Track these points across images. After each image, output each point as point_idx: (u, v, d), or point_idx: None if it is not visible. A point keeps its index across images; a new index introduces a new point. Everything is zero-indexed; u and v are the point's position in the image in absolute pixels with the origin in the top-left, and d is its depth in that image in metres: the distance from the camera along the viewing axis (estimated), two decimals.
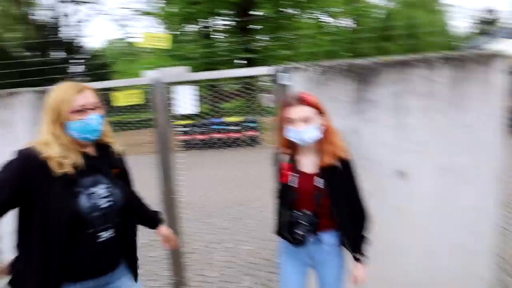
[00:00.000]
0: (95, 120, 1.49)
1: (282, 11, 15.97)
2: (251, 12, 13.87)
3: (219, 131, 11.42)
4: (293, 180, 1.78)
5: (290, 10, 17.04)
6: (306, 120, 1.71)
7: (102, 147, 1.60)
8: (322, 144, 1.78)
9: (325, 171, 1.76)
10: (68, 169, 1.42)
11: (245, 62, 13.35)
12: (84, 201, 1.44)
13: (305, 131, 1.71)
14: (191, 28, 15.25)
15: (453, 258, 2.49)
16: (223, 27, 15.50)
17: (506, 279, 3.07)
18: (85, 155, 1.51)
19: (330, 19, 24.01)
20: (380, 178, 2.44)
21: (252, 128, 11.52)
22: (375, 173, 2.44)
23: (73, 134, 1.47)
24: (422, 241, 2.49)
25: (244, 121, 11.48)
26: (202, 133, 11.30)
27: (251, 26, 13.98)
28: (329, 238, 1.83)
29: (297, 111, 1.71)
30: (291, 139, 1.76)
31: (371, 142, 2.42)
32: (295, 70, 2.42)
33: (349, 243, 1.84)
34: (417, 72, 2.33)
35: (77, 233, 1.43)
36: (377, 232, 2.48)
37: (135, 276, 1.69)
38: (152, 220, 1.91)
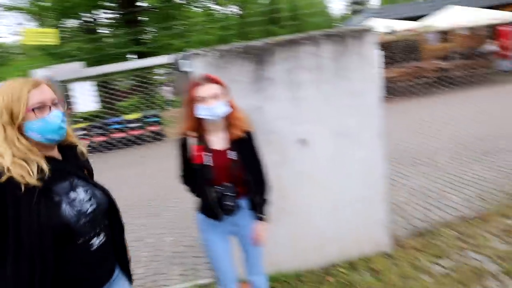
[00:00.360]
0: (58, 118, 1.30)
1: (168, 1, 15.60)
2: (136, 4, 13.28)
3: (121, 130, 10.88)
4: (207, 159, 1.89)
5: (176, 0, 16.73)
6: (215, 97, 1.84)
7: (66, 148, 1.42)
8: (229, 119, 1.93)
9: (235, 143, 1.93)
10: (35, 179, 1.22)
11: (135, 56, 12.80)
12: (67, 210, 1.28)
13: (216, 106, 1.84)
14: (71, 23, 14.02)
15: (353, 209, 2.87)
16: (108, 20, 14.57)
17: (398, 219, 3.63)
18: (51, 159, 1.31)
19: (217, 7, 24.20)
20: (285, 148, 2.68)
21: (154, 123, 11.22)
22: (280, 144, 2.67)
23: (33, 136, 1.28)
24: (327, 198, 2.82)
25: (144, 117, 11.12)
26: (102, 134, 10.65)
27: (138, 18, 13.40)
28: (245, 203, 2.01)
29: (207, 89, 1.83)
30: (203, 116, 1.86)
31: (273, 116, 2.63)
32: (194, 56, 2.50)
33: (256, 205, 2.03)
34: (305, 49, 2.58)
35: (66, 247, 1.27)
36: (289, 195, 2.74)
37: (129, 278, 1.58)
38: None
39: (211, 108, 1.83)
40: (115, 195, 1.51)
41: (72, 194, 1.32)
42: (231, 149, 1.92)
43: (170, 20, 15.65)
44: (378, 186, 2.86)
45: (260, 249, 2.15)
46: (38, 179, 1.22)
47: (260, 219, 2.05)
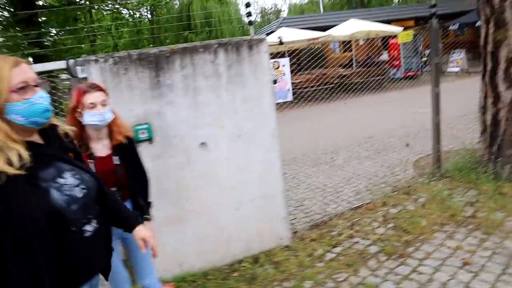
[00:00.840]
0: (44, 99, 1.20)
1: (71, 2, 14.66)
2: (34, 2, 12.24)
3: None
4: (91, 167, 1.92)
5: (81, 1, 15.79)
6: (104, 104, 1.90)
7: (47, 131, 1.30)
8: (111, 126, 1.99)
9: (117, 149, 2.00)
10: (16, 167, 1.11)
11: (31, 58, 11.77)
12: (56, 196, 1.18)
13: (105, 112, 1.89)
14: None
15: (255, 206, 3.06)
16: None
17: (298, 214, 3.93)
18: (32, 144, 1.21)
19: (125, 10, 23.36)
20: (186, 151, 2.77)
21: None
22: (182, 148, 2.76)
23: (16, 119, 1.16)
24: (230, 197, 2.97)
25: None
26: None
27: (35, 18, 12.36)
28: (130, 206, 2.07)
29: (96, 96, 1.88)
30: (91, 123, 1.89)
31: (174, 121, 2.71)
32: (90, 62, 2.47)
33: (140, 208, 2.09)
34: (202, 56, 2.71)
35: (58, 236, 1.17)
36: (193, 196, 2.83)
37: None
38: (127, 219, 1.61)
39: (102, 113, 1.87)
40: None
41: (60, 180, 1.23)
42: (114, 154, 1.99)
43: (73, 22, 14.71)
44: (276, 183, 3.08)
45: (148, 251, 2.19)
46: (20, 167, 1.12)
47: (146, 220, 2.10)
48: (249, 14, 3.10)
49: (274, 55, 14.56)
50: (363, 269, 2.81)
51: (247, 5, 3.06)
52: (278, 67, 12.62)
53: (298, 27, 16.26)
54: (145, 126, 2.60)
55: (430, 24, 4.01)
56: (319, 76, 13.30)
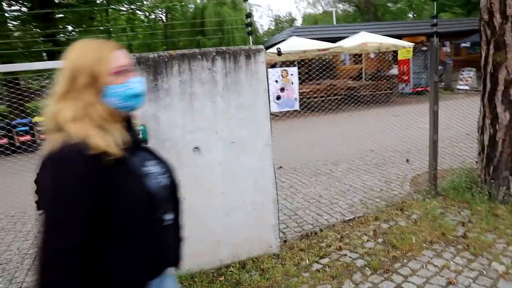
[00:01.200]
0: (140, 83, 1.20)
1: (88, 1, 14.96)
2: (49, 0, 12.53)
3: (26, 133, 10.10)
4: None
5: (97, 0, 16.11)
6: None
7: (129, 118, 1.27)
8: None
9: None
10: (119, 149, 1.09)
11: (45, 54, 12.02)
12: (152, 183, 1.18)
13: None
14: None
15: (245, 212, 3.10)
16: (15, 13, 13.49)
17: (290, 223, 3.96)
18: (126, 129, 1.20)
19: (141, 12, 23.73)
20: (179, 154, 2.83)
21: None
22: (175, 151, 2.81)
23: (113, 103, 1.15)
24: (221, 203, 3.01)
25: None
26: (4, 136, 9.82)
27: (52, 15, 12.64)
28: None
29: None
30: None
31: (169, 124, 2.77)
32: None
33: None
34: (200, 63, 2.78)
35: (147, 223, 1.16)
36: (183, 200, 2.87)
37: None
38: None
39: None
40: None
41: (147, 167, 1.22)
42: None
43: (89, 21, 14.99)
44: (268, 191, 3.12)
45: None
46: (120, 150, 1.10)
47: None
48: (248, 25, 3.15)
49: (282, 64, 14.66)
50: (347, 282, 2.83)
51: (248, 15, 3.11)
52: (286, 76, 12.71)
53: (309, 37, 16.34)
54: (140, 128, 2.67)
55: (430, 42, 4.03)
56: (327, 87, 13.34)
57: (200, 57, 2.76)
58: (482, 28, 3.86)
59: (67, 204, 1.01)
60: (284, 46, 14.69)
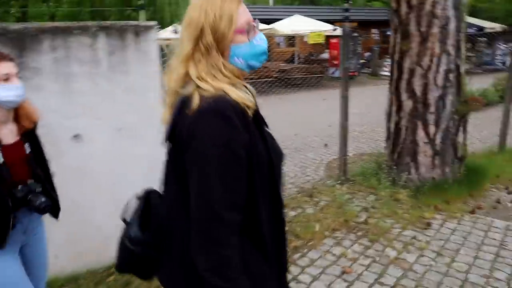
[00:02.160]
0: (263, 41, 1.11)
1: None
2: None
3: None
4: None
5: None
6: (17, 76, 1.59)
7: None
8: (18, 108, 1.66)
9: (26, 135, 1.71)
10: (254, 105, 1.05)
11: None
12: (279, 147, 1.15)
13: (22, 86, 1.58)
14: None
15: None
16: None
17: None
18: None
19: None
20: (57, 143, 2.48)
21: None
22: (52, 139, 2.45)
23: (237, 63, 1.06)
24: (109, 195, 2.73)
25: None
26: None
27: None
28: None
29: (9, 66, 1.55)
30: (7, 98, 1.56)
31: (42, 109, 2.40)
32: None
33: (56, 202, 1.85)
34: (78, 39, 2.43)
35: (277, 183, 1.11)
36: (65, 194, 2.55)
37: None
38: None
39: (18, 87, 1.56)
40: None
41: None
42: (24, 141, 1.68)
43: None
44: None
45: (47, 257, 1.93)
46: (255, 105, 1.06)
47: (56, 217, 1.89)
48: None
49: None
50: None
51: None
52: None
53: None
54: None
55: (343, 28, 4.00)
56: (259, 69, 13.22)
57: (78, 31, 2.41)
58: (391, 17, 3.89)
59: (230, 157, 0.96)
60: None
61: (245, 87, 1.10)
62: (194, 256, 0.98)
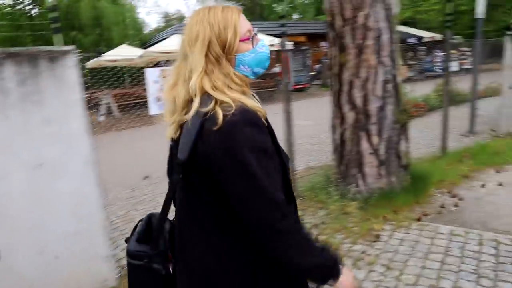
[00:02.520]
0: (265, 47, 1.15)
1: None
2: None
3: None
4: None
5: None
6: None
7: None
8: None
9: None
10: (265, 112, 1.10)
11: None
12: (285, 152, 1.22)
13: None
14: None
15: (66, 246, 2.59)
16: None
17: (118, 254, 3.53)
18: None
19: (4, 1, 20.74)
20: None
21: None
22: None
23: (243, 71, 1.11)
24: (30, 239, 2.45)
25: None
26: None
27: None
28: None
29: None
30: None
31: None
32: None
33: None
34: None
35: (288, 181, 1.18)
36: None
37: None
38: None
39: None
40: None
41: None
42: None
43: None
44: (94, 218, 2.66)
45: None
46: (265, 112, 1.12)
47: None
48: (54, 21, 2.65)
49: (167, 62, 14.02)
50: None
51: (52, 9, 2.59)
52: (166, 76, 12.11)
53: None
54: None
55: (281, 42, 3.98)
56: None
57: None
58: (327, 30, 3.92)
59: (269, 160, 1.02)
60: (165, 45, 14.05)
61: (253, 95, 1.15)
62: (284, 261, 1.05)
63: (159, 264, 1.16)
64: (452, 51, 17.28)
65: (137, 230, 1.25)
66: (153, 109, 13.76)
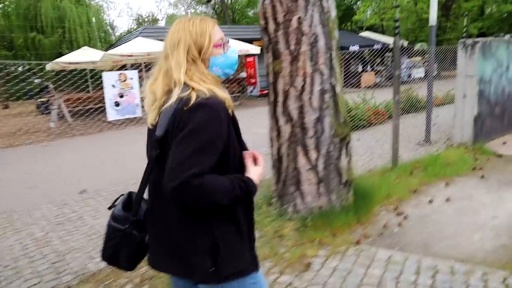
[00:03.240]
0: (235, 53, 1.38)
1: None
2: None
3: None
4: None
5: None
6: None
7: None
8: None
9: None
10: (233, 104, 1.33)
11: None
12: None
13: None
14: None
15: None
16: None
17: (45, 271, 3.08)
18: None
19: None
20: None
21: None
22: None
23: (215, 71, 1.34)
24: None
25: None
26: None
27: None
28: None
29: None
30: None
31: None
32: None
33: None
34: None
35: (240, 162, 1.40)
36: None
37: None
38: None
39: None
40: None
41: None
42: None
43: None
44: None
45: None
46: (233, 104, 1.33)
47: None
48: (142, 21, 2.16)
49: (122, 67, 13.47)
50: None
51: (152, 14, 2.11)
52: (125, 80, 11.55)
53: (157, 38, 15.43)
54: None
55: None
56: None
57: None
58: (261, 35, 3.58)
59: (210, 140, 1.19)
60: (126, 48, 13.46)
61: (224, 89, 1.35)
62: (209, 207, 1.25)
63: (137, 231, 1.36)
64: (417, 58, 17.47)
65: (120, 200, 1.44)
66: (111, 114, 13.15)
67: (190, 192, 1.14)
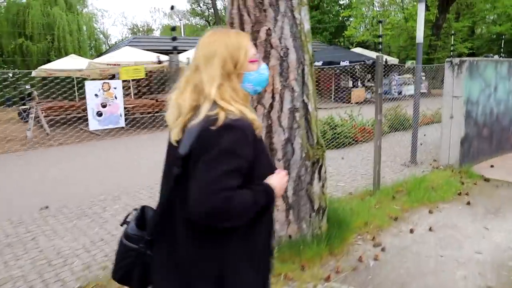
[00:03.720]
0: (266, 70, 1.37)
1: None
2: None
3: None
4: None
5: None
6: None
7: None
8: None
9: None
10: (261, 126, 1.33)
11: None
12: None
13: None
14: None
15: None
16: None
17: None
18: None
19: None
20: None
21: None
22: None
23: (247, 88, 1.31)
24: None
25: None
26: None
27: None
28: None
29: None
30: None
31: None
32: None
33: None
34: None
35: None
36: None
37: None
38: None
39: None
40: None
41: None
42: None
43: None
44: None
45: None
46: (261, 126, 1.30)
47: None
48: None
49: (113, 77, 13.19)
50: None
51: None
52: (108, 89, 11.24)
53: (145, 48, 15.22)
54: None
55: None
56: (156, 102, 12.33)
57: None
58: None
59: (238, 162, 1.17)
60: (116, 56, 13.18)
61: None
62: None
63: (150, 250, 1.31)
64: (407, 75, 17.41)
65: (133, 217, 1.40)
66: (93, 124, 12.67)
67: (220, 214, 1.13)
